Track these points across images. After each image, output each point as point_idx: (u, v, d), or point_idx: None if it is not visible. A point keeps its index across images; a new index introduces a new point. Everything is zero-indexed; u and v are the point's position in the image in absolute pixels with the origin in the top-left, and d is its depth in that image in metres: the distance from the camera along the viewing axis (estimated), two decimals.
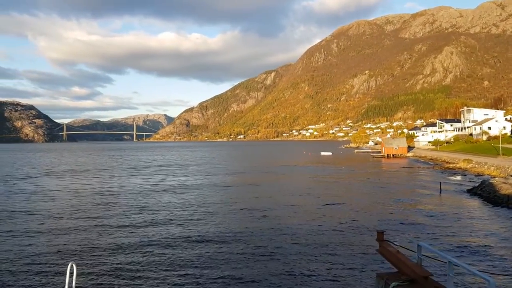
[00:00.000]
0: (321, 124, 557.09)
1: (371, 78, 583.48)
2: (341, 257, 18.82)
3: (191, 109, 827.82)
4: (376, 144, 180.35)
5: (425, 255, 9.44)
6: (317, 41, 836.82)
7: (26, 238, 23.24)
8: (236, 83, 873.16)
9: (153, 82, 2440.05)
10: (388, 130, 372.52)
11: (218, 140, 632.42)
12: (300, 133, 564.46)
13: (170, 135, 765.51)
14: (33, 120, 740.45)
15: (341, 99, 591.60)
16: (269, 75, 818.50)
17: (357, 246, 20.64)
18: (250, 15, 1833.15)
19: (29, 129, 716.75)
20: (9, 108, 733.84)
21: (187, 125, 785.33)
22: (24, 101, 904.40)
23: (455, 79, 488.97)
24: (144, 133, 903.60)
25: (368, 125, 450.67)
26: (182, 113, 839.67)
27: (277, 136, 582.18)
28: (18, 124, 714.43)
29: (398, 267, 9.24)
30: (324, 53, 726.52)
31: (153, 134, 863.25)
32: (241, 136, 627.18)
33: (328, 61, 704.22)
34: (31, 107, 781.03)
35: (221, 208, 32.25)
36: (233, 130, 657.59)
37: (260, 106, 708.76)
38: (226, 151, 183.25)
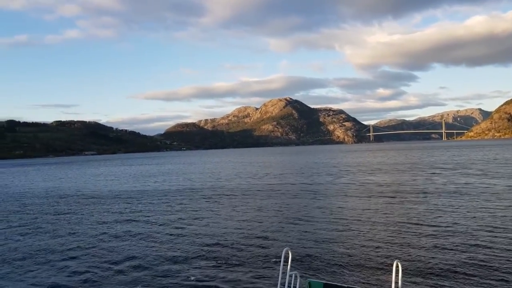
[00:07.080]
0: None
1: None
2: None
3: None
4: None
5: None
6: None
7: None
8: None
9: (463, 74, 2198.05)
10: None
11: None
12: None
13: (486, 132, 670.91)
14: (343, 123, 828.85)
15: None
16: None
17: None
18: None
19: (340, 131, 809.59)
20: (323, 113, 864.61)
21: (508, 120, 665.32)
22: (334, 106, 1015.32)
23: None
24: (455, 131, 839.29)
25: None
26: (502, 105, 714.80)
27: None
28: (331, 127, 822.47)
29: None
30: None
31: (465, 131, 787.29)
32: None
33: None
34: (341, 111, 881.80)
35: None
36: None
37: None
38: None
